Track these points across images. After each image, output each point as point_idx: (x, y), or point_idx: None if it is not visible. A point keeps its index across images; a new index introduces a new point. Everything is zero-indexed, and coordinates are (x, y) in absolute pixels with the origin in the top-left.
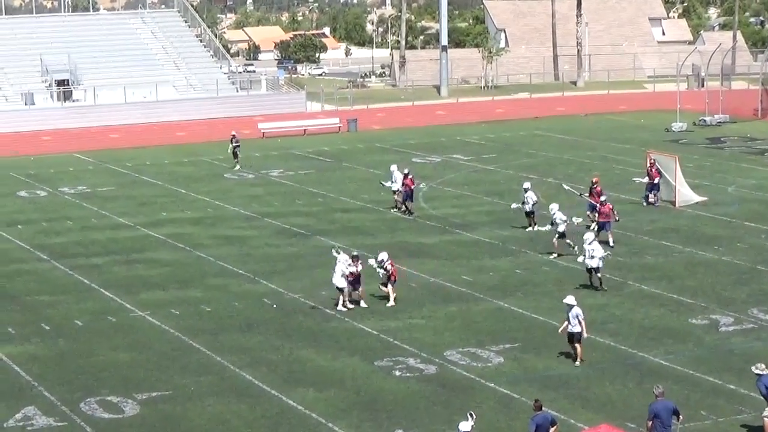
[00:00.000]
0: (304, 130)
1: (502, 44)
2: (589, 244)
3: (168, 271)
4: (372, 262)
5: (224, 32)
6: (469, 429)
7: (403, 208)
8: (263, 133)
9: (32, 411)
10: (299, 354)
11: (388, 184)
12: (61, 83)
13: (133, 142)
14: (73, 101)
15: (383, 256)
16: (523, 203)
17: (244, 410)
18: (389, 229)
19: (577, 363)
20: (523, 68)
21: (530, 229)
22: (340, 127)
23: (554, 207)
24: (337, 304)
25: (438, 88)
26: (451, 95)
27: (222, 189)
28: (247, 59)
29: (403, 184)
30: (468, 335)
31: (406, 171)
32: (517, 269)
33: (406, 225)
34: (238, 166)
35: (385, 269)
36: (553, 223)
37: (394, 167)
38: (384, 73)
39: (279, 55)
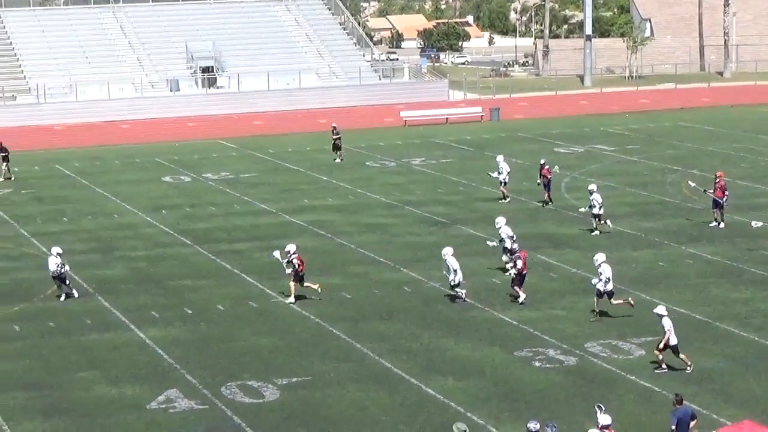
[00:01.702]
0: (446, 118)
1: (647, 34)
2: (599, 265)
3: (309, 258)
4: (276, 254)
5: (367, 20)
6: (609, 422)
7: (546, 198)
8: (405, 121)
9: (174, 393)
10: (439, 343)
11: (494, 174)
12: (205, 70)
13: (276, 129)
14: (218, 88)
15: (291, 247)
16: (590, 207)
17: (383, 397)
18: (530, 218)
19: (689, 369)
20: (668, 58)
21: (596, 233)
22: (482, 116)
23: (500, 221)
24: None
25: (581, 78)
26: (594, 85)
27: (364, 177)
28: (390, 47)
29: (540, 175)
30: (609, 327)
31: (542, 161)
32: (660, 261)
33: (548, 215)
34: (338, 159)
35: (292, 263)
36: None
37: (500, 158)
38: (527, 62)
39: (422, 43)
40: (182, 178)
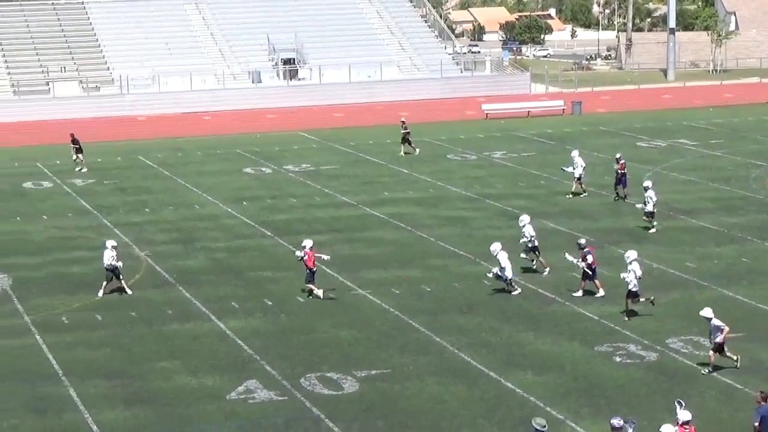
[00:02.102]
0: (528, 111)
1: (732, 27)
2: (630, 263)
3: (389, 251)
4: (299, 254)
5: (449, 13)
6: (689, 418)
7: (617, 193)
8: (487, 114)
9: (254, 384)
10: (518, 337)
11: (569, 169)
12: (287, 62)
13: (357, 122)
14: (299, 80)
15: (307, 243)
16: (645, 203)
17: (462, 391)
18: (612, 213)
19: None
20: (753, 52)
21: (653, 230)
22: (564, 109)
23: (525, 219)
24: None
25: (665, 72)
26: (678, 79)
27: (444, 169)
28: (471, 40)
29: (615, 171)
30: (690, 323)
31: (618, 156)
32: (743, 257)
33: (629, 210)
34: (403, 153)
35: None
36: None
37: (575, 153)
38: (610, 55)
39: (504, 36)
40: (263, 169)
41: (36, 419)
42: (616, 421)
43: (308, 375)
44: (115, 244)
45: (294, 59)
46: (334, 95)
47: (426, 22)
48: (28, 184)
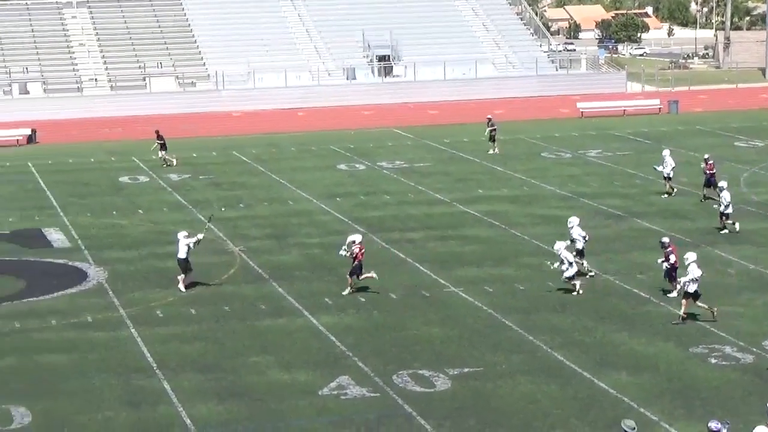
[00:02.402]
0: (624, 110)
1: None
2: (688, 265)
3: (482, 248)
4: (343, 252)
5: (545, 10)
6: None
7: (704, 194)
8: (582, 112)
9: (346, 380)
10: (612, 337)
11: (659, 168)
12: (382, 59)
13: (451, 119)
14: (393, 77)
15: (356, 237)
16: (719, 204)
17: (555, 391)
18: (708, 213)
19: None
20: None
21: (724, 231)
22: (660, 108)
23: (573, 221)
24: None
25: (763, 71)
26: None
27: (538, 168)
28: (567, 38)
29: (703, 171)
30: None
31: (706, 156)
32: None
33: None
34: (492, 151)
35: (351, 253)
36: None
37: (666, 152)
38: (707, 54)
39: (600, 34)
40: (357, 166)
41: (130, 412)
42: (714, 425)
43: (400, 372)
44: (186, 234)
45: (389, 56)
46: (429, 92)
47: (521, 19)
48: (124, 179)
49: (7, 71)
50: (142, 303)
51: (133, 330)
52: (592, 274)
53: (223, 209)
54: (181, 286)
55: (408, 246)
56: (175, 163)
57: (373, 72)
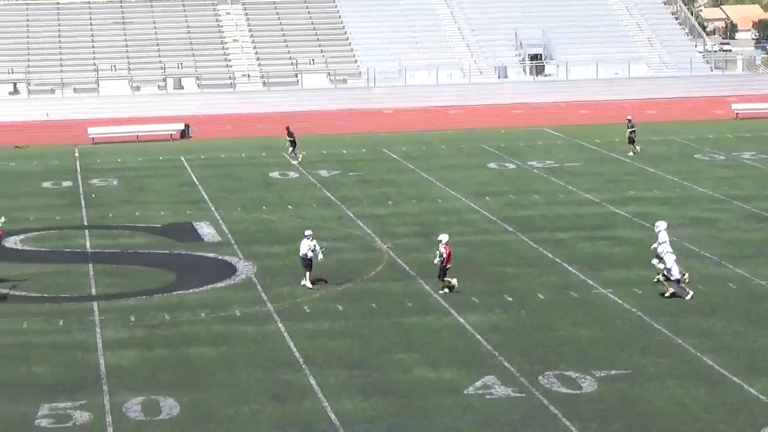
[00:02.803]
0: None
1: None
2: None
3: (632, 250)
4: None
5: (700, 10)
6: None
7: None
8: (737, 114)
9: (491, 380)
10: (764, 342)
11: None
12: (534, 57)
13: (602, 119)
14: (545, 76)
15: (443, 237)
16: None
17: (703, 395)
18: None
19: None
20: None
21: None
22: None
23: (661, 225)
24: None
25: None
26: None
27: (691, 170)
28: (723, 38)
29: None
30: None
31: None
32: None
33: None
34: (631, 152)
35: (440, 254)
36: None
37: None
38: None
39: (757, 34)
40: (507, 165)
41: (276, 406)
42: None
43: (546, 373)
44: (310, 232)
45: (541, 55)
46: (580, 92)
47: (676, 19)
48: (274, 174)
49: (162, 67)
50: (290, 298)
51: (280, 325)
52: (655, 280)
53: (357, 209)
54: (307, 282)
55: (557, 246)
56: (300, 159)
57: (524, 70)
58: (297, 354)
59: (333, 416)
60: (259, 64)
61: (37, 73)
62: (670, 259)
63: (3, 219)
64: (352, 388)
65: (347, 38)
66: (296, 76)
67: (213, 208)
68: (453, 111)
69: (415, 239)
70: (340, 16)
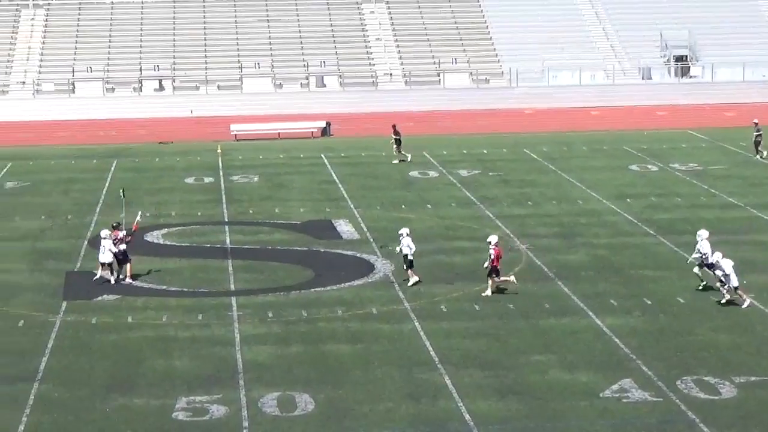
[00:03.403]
0: None
1: None
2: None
3: None
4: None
5: None
6: None
7: None
8: None
9: (628, 383)
10: None
11: None
12: (679, 59)
13: (748, 122)
14: (690, 77)
15: (492, 239)
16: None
17: None
18: None
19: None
20: None
21: None
22: None
23: (703, 234)
24: None
25: None
26: None
27: None
28: None
29: None
30: None
31: None
32: None
33: None
34: (758, 156)
35: (489, 256)
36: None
37: None
38: None
39: None
40: (649, 167)
41: (410, 405)
42: None
43: (684, 378)
44: (407, 231)
45: (686, 56)
46: (727, 94)
47: None
48: (414, 173)
49: (305, 65)
50: (427, 297)
51: (416, 323)
52: (700, 287)
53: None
54: (413, 278)
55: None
56: (409, 158)
57: (669, 72)
58: (432, 353)
59: (467, 416)
60: (402, 63)
61: (182, 70)
62: (728, 265)
63: (141, 214)
64: (487, 389)
65: (490, 38)
66: (438, 75)
67: (352, 206)
68: (595, 112)
69: (554, 240)
70: (483, 15)
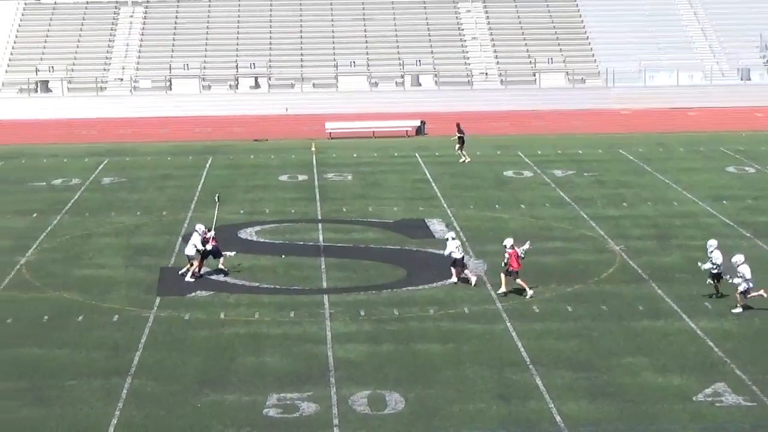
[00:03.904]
0: None
1: None
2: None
3: None
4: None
5: None
6: None
7: None
8: None
9: (722, 387)
10: None
11: None
12: None
13: None
14: None
15: (508, 242)
16: None
17: None
18: None
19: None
20: None
21: None
22: None
23: (712, 244)
24: None
25: None
26: None
27: None
28: None
29: None
30: None
31: None
32: None
33: None
34: None
35: (506, 259)
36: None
37: None
38: None
39: None
40: (746, 169)
41: (501, 405)
42: None
43: None
44: (454, 234)
45: None
46: None
47: None
48: (509, 173)
49: (401, 63)
50: (519, 297)
51: (508, 324)
52: (718, 295)
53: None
54: (454, 278)
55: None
56: (468, 160)
57: None
58: (524, 354)
59: (558, 417)
60: (497, 63)
61: (278, 68)
62: (747, 271)
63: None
64: (578, 390)
65: (587, 37)
66: (534, 75)
67: (445, 205)
68: (692, 113)
69: (649, 242)
70: (580, 15)
